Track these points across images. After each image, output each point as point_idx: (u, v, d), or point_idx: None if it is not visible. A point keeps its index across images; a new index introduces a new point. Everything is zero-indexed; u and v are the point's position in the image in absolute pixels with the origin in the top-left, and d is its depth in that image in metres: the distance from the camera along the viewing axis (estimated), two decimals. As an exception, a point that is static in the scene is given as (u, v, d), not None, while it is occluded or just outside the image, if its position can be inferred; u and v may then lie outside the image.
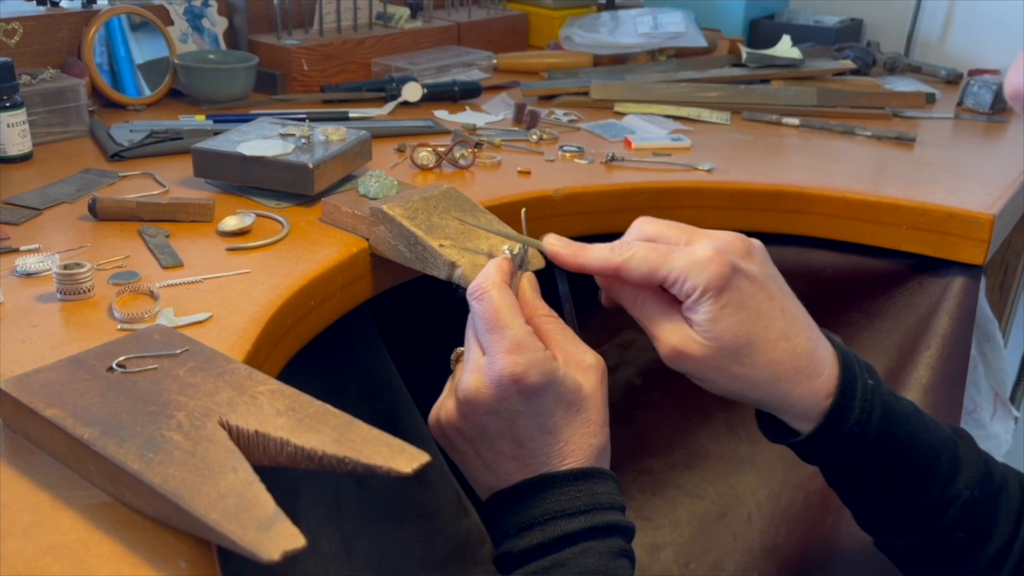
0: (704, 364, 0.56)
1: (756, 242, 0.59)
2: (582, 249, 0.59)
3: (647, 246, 0.57)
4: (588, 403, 0.57)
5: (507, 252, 0.61)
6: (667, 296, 0.58)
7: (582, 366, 0.57)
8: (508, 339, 0.55)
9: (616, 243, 0.58)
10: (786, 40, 1.38)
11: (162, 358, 0.52)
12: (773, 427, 0.62)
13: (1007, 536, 0.61)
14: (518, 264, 0.61)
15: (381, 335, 0.98)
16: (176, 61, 1.11)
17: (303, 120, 0.91)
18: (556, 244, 0.61)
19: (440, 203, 0.74)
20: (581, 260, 0.59)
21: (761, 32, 1.55)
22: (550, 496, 0.56)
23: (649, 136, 1.06)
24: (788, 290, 0.59)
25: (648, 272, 0.56)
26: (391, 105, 1.14)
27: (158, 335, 0.55)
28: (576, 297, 1.01)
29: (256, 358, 0.60)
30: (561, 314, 1.00)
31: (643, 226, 0.59)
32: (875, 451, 0.59)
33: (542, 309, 0.59)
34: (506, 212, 0.81)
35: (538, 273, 0.72)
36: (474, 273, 0.68)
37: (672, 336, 0.57)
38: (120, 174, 0.88)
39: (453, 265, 0.68)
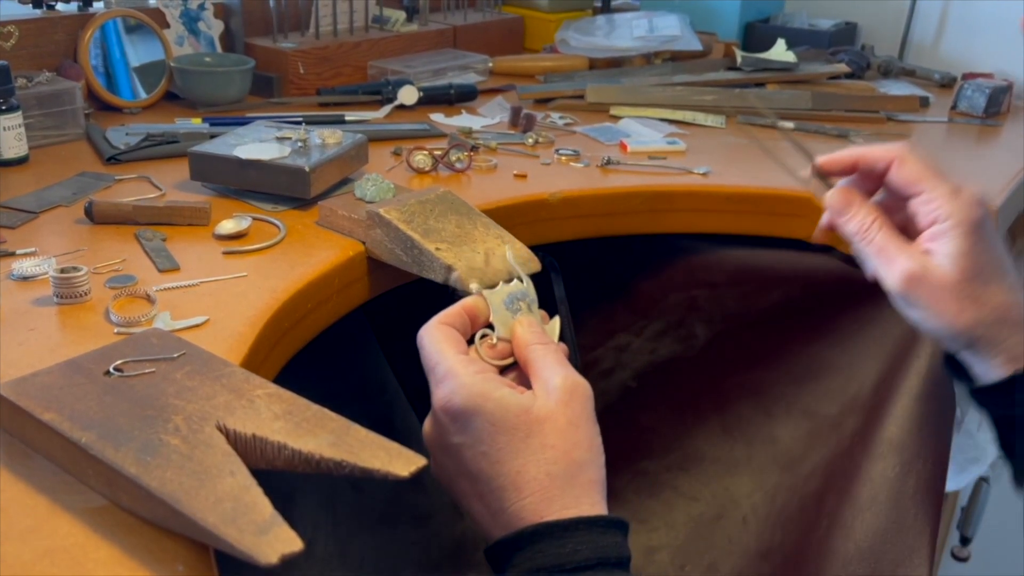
0: (940, 293, 0.58)
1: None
2: (858, 148, 0.62)
3: (924, 158, 0.60)
4: (542, 427, 0.52)
5: (454, 279, 0.60)
6: (902, 230, 0.61)
7: (546, 388, 0.53)
8: (437, 374, 0.54)
9: (893, 143, 0.62)
10: (781, 44, 1.38)
11: (159, 362, 0.52)
12: (957, 370, 0.64)
13: None
14: (495, 282, 0.59)
15: (377, 338, 0.98)
16: (172, 64, 1.11)
17: (299, 123, 0.91)
18: (824, 158, 0.63)
19: (436, 206, 0.75)
20: (859, 152, 0.62)
21: (756, 36, 1.55)
22: (546, 548, 0.50)
23: (644, 139, 1.06)
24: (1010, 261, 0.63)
25: (918, 177, 0.59)
26: (387, 108, 1.14)
27: (155, 339, 0.55)
28: (572, 300, 1.01)
29: (253, 361, 0.60)
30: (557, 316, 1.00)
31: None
32: None
33: (532, 339, 0.57)
34: (502, 215, 0.82)
35: (534, 277, 0.72)
36: (471, 276, 0.68)
37: (911, 261, 0.58)
38: (116, 177, 0.88)
39: (449, 268, 0.68)
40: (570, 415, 0.52)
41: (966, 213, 0.58)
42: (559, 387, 0.53)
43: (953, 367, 0.65)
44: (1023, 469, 0.65)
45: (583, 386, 0.54)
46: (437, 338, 0.55)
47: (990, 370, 0.61)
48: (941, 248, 0.58)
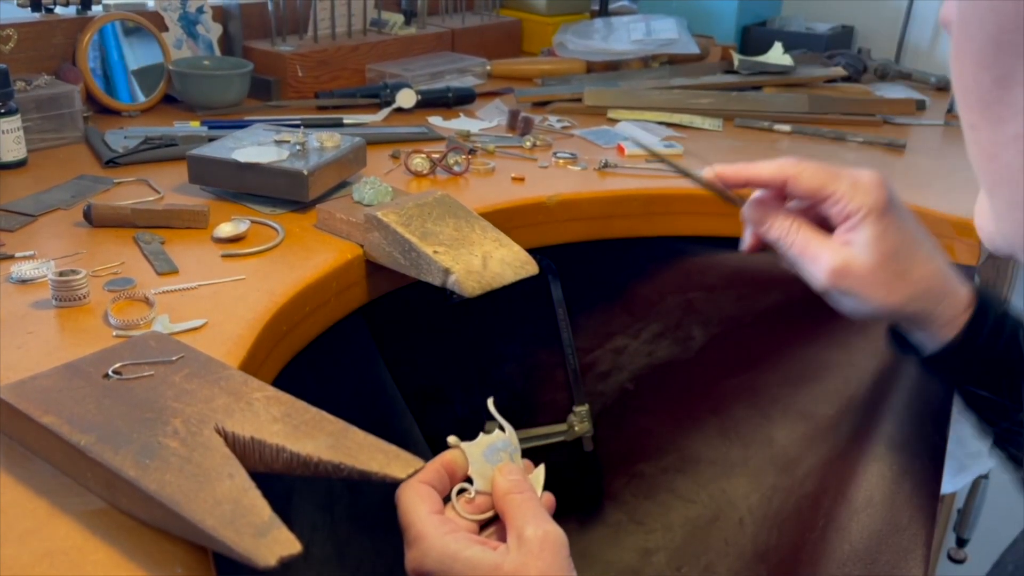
0: (867, 279, 0.61)
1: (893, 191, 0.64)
2: (750, 165, 0.63)
3: (816, 164, 0.62)
4: None
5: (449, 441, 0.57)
6: (819, 223, 0.63)
7: (518, 539, 0.52)
8: (409, 537, 0.53)
9: (782, 159, 0.63)
10: (778, 47, 1.39)
11: (158, 364, 0.53)
12: (903, 344, 0.67)
13: None
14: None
15: (375, 341, 0.98)
16: (171, 67, 1.11)
17: (298, 126, 0.92)
18: (719, 166, 0.64)
19: (434, 209, 0.75)
20: (750, 172, 0.63)
21: (753, 39, 1.56)
22: None
23: (642, 142, 1.06)
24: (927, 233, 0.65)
25: (817, 186, 0.61)
26: (385, 111, 1.15)
27: (154, 342, 0.55)
28: (570, 303, 1.01)
29: (251, 364, 0.60)
30: (554, 319, 1.00)
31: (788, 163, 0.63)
32: (1005, 359, 0.63)
33: (509, 488, 0.55)
34: (500, 218, 0.82)
35: (532, 280, 0.72)
36: (468, 280, 0.68)
37: (835, 256, 0.61)
38: (115, 180, 0.88)
39: (447, 271, 0.69)
40: (541, 567, 0.51)
41: (872, 199, 0.60)
42: (530, 538, 0.52)
43: (898, 342, 0.67)
44: (989, 423, 0.68)
45: (555, 535, 0.52)
46: (411, 498, 0.53)
47: (930, 341, 0.64)
48: (858, 238, 0.60)
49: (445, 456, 0.55)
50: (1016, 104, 0.34)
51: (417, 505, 0.52)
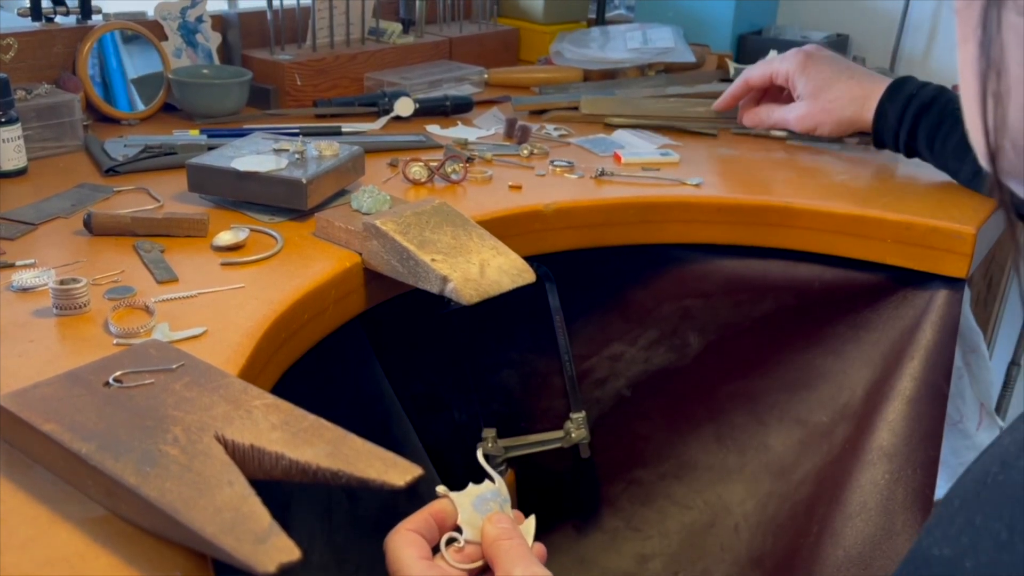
0: (813, 112, 1.00)
1: (816, 47, 1.03)
2: (727, 91, 1.10)
3: (759, 64, 1.07)
4: None
5: (439, 491, 0.57)
6: (786, 102, 1.04)
7: None
8: None
9: (742, 74, 1.08)
10: (773, 55, 1.39)
11: (158, 373, 0.53)
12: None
13: None
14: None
15: (374, 349, 0.98)
16: (170, 76, 1.12)
17: (296, 135, 0.92)
18: (718, 104, 1.11)
19: (432, 218, 0.75)
20: (732, 93, 1.09)
21: (749, 47, 1.57)
22: None
23: (638, 151, 1.07)
24: (850, 63, 1.02)
25: (761, 73, 1.05)
26: (383, 120, 1.15)
27: (154, 350, 0.56)
28: (566, 310, 1.02)
29: (251, 372, 0.61)
30: (551, 327, 1.01)
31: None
32: (932, 106, 0.94)
33: (498, 535, 0.55)
34: (497, 226, 0.83)
35: (529, 288, 0.73)
36: (466, 287, 0.69)
37: (791, 112, 1.03)
38: (115, 189, 0.88)
39: (445, 279, 0.69)
40: None
41: (794, 61, 1.01)
42: None
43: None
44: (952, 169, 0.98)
45: None
46: (400, 545, 0.54)
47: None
48: (797, 91, 1.02)
49: (434, 505, 0.55)
50: (974, 19, 0.33)
51: (406, 551, 0.53)
